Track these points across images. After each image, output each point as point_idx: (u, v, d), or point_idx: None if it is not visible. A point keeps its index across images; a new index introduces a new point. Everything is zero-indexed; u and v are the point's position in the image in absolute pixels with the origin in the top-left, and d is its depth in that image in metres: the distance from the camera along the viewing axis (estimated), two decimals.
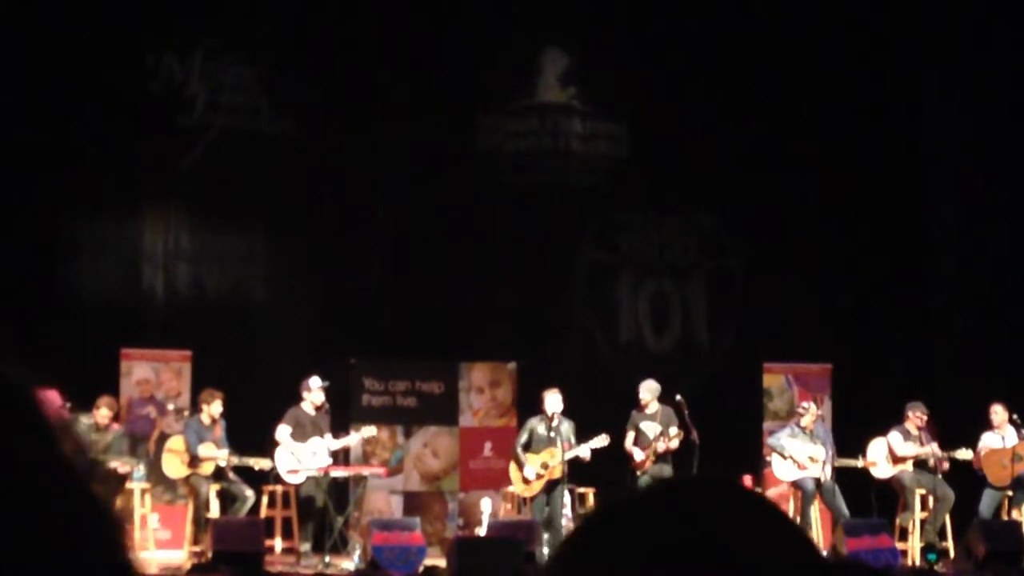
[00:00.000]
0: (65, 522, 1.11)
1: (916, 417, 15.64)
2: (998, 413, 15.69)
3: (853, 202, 18.37)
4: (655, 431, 15.58)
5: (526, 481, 15.27)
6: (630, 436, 15.68)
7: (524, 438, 15.40)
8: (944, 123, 18.94)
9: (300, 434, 14.92)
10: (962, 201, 18.63)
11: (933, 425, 15.69)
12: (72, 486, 1.15)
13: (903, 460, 15.62)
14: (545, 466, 15.17)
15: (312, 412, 15.10)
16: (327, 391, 15.20)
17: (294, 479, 14.91)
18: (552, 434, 15.21)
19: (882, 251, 18.42)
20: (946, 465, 15.50)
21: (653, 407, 15.73)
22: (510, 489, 15.76)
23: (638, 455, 15.52)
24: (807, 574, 1.17)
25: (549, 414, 15.24)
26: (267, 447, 14.84)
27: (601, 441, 15.24)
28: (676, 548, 1.14)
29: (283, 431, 14.87)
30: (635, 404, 15.84)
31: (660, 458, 15.50)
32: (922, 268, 18.77)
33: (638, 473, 15.47)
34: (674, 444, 15.41)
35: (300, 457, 14.81)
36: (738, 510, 1.19)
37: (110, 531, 1.15)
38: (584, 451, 15.19)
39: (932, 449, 15.48)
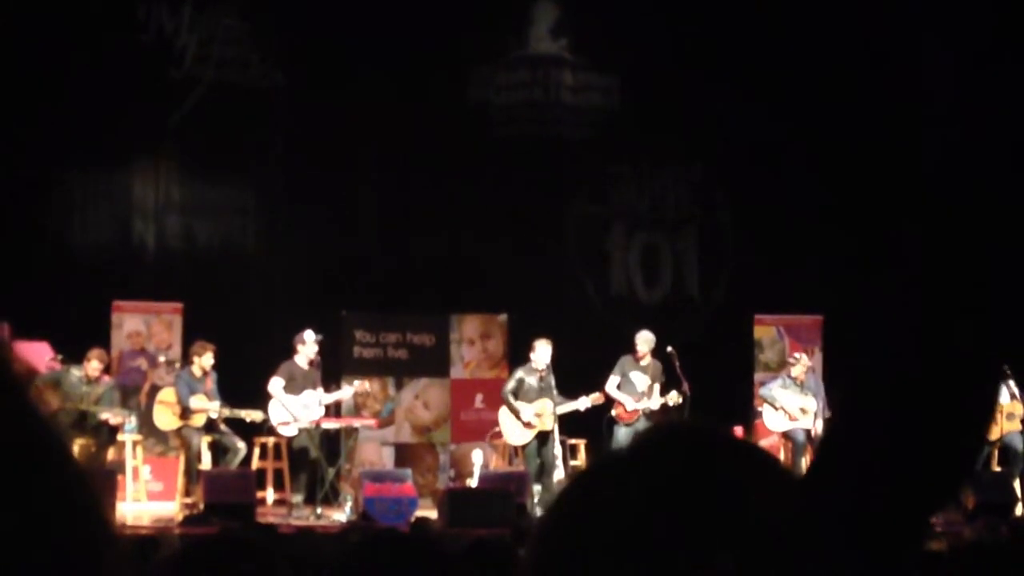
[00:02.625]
0: (38, 486, 1.11)
1: None
2: None
3: (845, 153, 18.33)
4: (644, 383, 15.62)
5: (526, 424, 15.27)
6: (614, 380, 15.65)
7: (512, 385, 15.41)
8: (943, 72, 18.87)
9: (293, 387, 14.93)
10: (958, 150, 18.57)
11: None
12: (44, 447, 1.14)
13: None
14: (539, 415, 15.21)
15: (305, 366, 15.10)
16: (320, 344, 15.21)
17: (286, 431, 14.94)
18: (542, 385, 15.25)
19: (874, 202, 18.40)
20: None
21: (647, 359, 15.76)
22: (501, 440, 15.80)
23: (630, 404, 15.52)
24: (801, 518, 1.18)
25: (540, 367, 15.26)
26: (258, 399, 14.86)
27: (596, 399, 15.28)
28: (668, 502, 1.14)
29: (276, 384, 14.88)
30: (629, 351, 15.83)
31: (648, 416, 15.53)
32: (914, 218, 18.73)
33: (621, 423, 15.49)
34: (672, 403, 15.40)
35: (293, 410, 14.83)
36: (730, 458, 1.19)
37: (84, 492, 1.15)
38: (581, 404, 15.23)
39: None
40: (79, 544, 1.11)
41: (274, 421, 14.85)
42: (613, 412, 15.60)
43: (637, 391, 15.60)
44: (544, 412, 15.20)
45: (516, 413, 15.28)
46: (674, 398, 15.34)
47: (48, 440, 1.14)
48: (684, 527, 1.14)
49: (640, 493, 1.16)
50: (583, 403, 15.26)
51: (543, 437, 15.24)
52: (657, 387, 15.59)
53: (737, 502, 1.16)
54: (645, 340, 15.78)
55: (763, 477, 1.20)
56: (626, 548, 1.14)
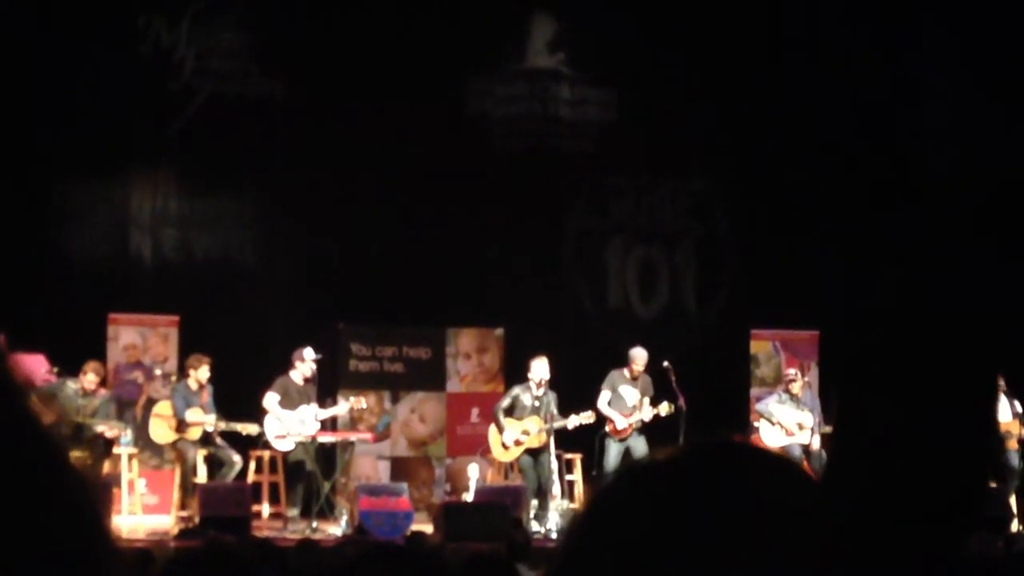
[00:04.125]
0: (38, 494, 1.11)
1: None
2: None
3: (843, 168, 18.34)
4: (635, 398, 15.57)
5: (505, 446, 15.27)
6: (605, 395, 15.61)
7: (506, 403, 15.40)
8: (940, 85, 18.89)
9: (288, 402, 14.91)
10: (955, 167, 18.58)
11: None
12: (44, 456, 1.14)
13: None
14: (526, 433, 15.18)
15: (301, 382, 15.10)
16: (318, 363, 15.21)
17: (282, 445, 14.92)
18: (536, 403, 15.22)
19: (871, 217, 18.41)
20: None
21: (639, 375, 15.73)
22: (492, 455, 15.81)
23: (620, 422, 15.48)
24: (829, 530, 1.18)
25: (537, 381, 15.23)
26: (254, 412, 14.84)
27: (587, 418, 15.22)
28: (694, 515, 1.14)
29: (271, 399, 14.87)
30: (621, 366, 15.79)
31: (641, 429, 15.49)
32: (911, 234, 18.74)
33: (614, 439, 15.44)
34: (663, 413, 15.36)
35: (288, 424, 14.82)
36: (765, 471, 1.19)
37: (83, 500, 1.15)
38: (570, 423, 15.18)
39: None
40: (79, 553, 1.11)
41: (270, 435, 14.84)
42: (606, 428, 15.56)
43: (628, 406, 15.56)
44: (531, 430, 15.18)
45: (500, 430, 15.28)
46: (665, 408, 15.31)
47: (48, 448, 1.14)
48: (714, 541, 1.13)
49: (668, 507, 1.16)
50: (572, 421, 15.21)
51: (535, 453, 15.21)
52: (647, 400, 15.56)
53: (769, 514, 1.15)
54: (640, 359, 15.73)
55: (796, 489, 1.20)
56: (653, 561, 1.14)
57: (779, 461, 1.23)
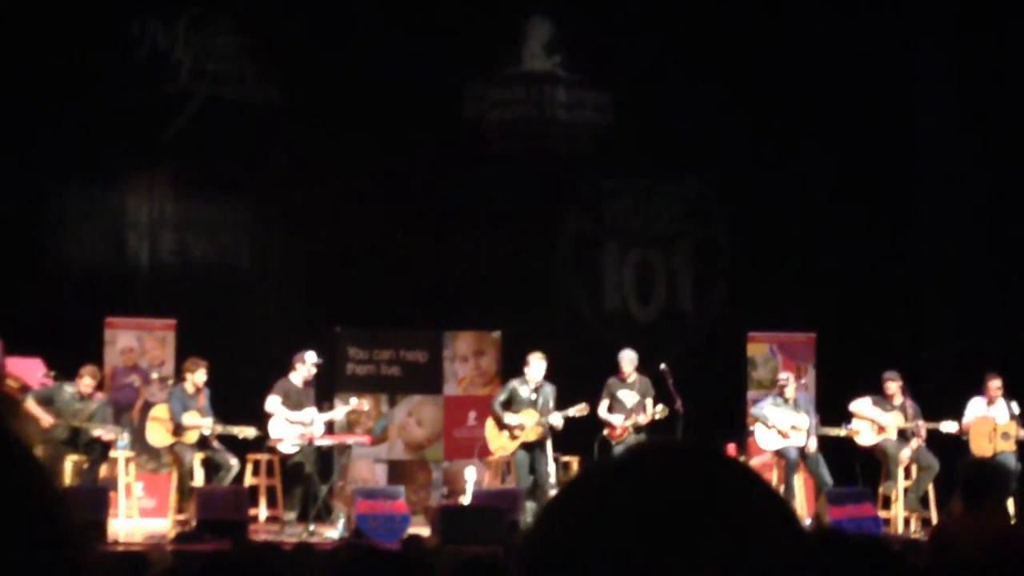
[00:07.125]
0: (14, 510, 1.10)
1: (887, 384, 15.62)
2: (992, 387, 15.57)
3: (839, 171, 18.36)
4: (632, 400, 15.65)
5: (507, 427, 15.28)
6: (605, 403, 15.72)
7: (504, 397, 15.44)
8: (934, 87, 18.90)
9: (288, 405, 14.93)
10: (951, 171, 18.60)
11: (907, 392, 15.66)
12: (19, 472, 1.14)
13: (864, 420, 15.64)
14: (521, 427, 15.22)
15: (300, 385, 15.12)
16: (319, 368, 15.23)
17: (285, 448, 14.92)
18: (533, 396, 15.27)
19: (868, 220, 18.42)
20: (923, 433, 15.48)
21: (632, 376, 15.78)
22: (490, 456, 15.81)
23: (617, 421, 15.55)
24: (788, 539, 1.18)
25: (533, 380, 15.29)
26: (252, 416, 14.84)
27: (580, 410, 15.28)
28: (657, 515, 1.14)
29: (274, 401, 14.88)
30: (615, 372, 15.87)
31: (638, 430, 15.54)
32: (908, 237, 18.76)
33: (613, 442, 15.51)
34: (659, 416, 15.45)
35: (294, 426, 14.83)
36: (719, 476, 1.19)
37: (62, 517, 1.14)
38: (556, 419, 15.22)
39: (898, 420, 15.49)
40: (56, 568, 1.11)
41: (273, 438, 14.85)
42: (604, 432, 15.61)
43: (626, 408, 15.64)
44: (527, 424, 15.22)
45: (498, 420, 15.33)
46: (660, 411, 15.38)
47: (24, 463, 1.14)
48: (672, 543, 1.13)
49: (626, 509, 1.16)
50: (556, 418, 15.25)
51: (531, 450, 15.26)
52: (649, 402, 15.61)
53: (724, 518, 1.16)
54: (628, 360, 15.83)
55: (750, 493, 1.20)
56: (613, 563, 1.14)
57: (732, 465, 1.23)
